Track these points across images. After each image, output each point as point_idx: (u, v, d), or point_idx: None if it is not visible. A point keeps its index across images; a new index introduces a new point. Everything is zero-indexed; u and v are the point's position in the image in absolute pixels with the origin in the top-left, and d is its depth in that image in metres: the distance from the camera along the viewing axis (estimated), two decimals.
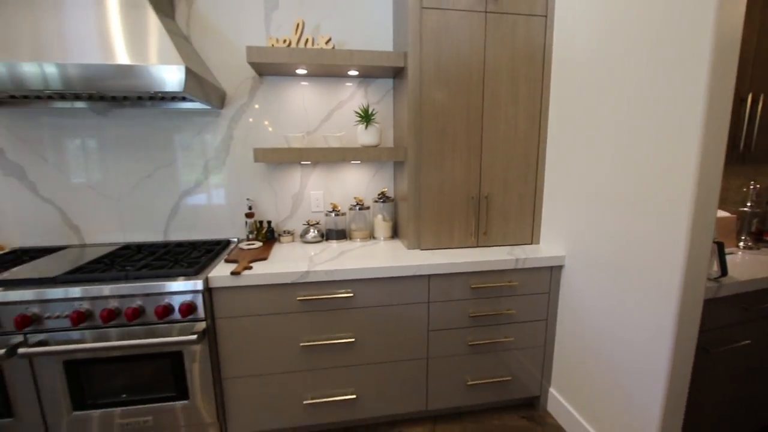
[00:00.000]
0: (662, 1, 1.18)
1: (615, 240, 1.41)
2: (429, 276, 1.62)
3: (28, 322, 1.36)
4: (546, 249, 1.80)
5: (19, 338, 1.39)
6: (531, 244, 1.89)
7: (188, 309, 1.44)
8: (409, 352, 1.69)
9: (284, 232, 2.00)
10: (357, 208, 2.02)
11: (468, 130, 1.74)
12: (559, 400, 1.79)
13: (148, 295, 1.43)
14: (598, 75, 1.46)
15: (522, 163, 1.81)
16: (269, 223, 2.01)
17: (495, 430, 1.77)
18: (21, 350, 1.34)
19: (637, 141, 1.29)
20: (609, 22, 1.40)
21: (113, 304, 1.42)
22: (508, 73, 1.72)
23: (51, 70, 1.35)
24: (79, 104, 1.80)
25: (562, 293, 1.74)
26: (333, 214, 2.00)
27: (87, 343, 1.39)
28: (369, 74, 1.93)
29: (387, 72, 1.88)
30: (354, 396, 1.67)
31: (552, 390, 1.85)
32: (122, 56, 1.39)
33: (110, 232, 1.94)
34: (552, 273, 1.73)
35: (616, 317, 1.42)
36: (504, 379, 1.79)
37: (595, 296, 1.53)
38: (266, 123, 1.97)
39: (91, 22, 1.45)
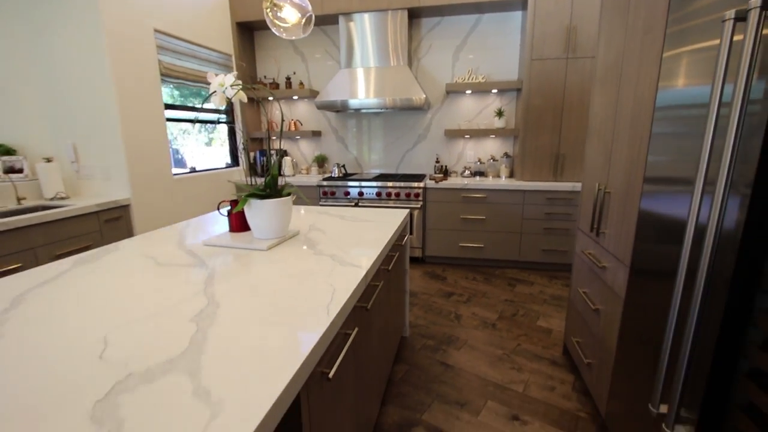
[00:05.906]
0: None
1: None
2: (524, 191, 3.38)
3: (360, 194, 3.69)
4: None
5: (357, 200, 3.73)
6: None
7: (417, 195, 3.57)
8: (512, 227, 3.49)
9: (452, 171, 4.00)
10: (491, 160, 3.86)
11: (553, 119, 3.38)
12: None
13: (402, 187, 3.60)
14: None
15: (585, 135, 3.35)
16: (445, 166, 4.01)
17: (560, 277, 3.45)
18: (359, 204, 3.69)
19: None
20: None
21: (389, 190, 3.63)
22: (580, 89, 3.28)
23: (367, 101, 3.57)
24: (368, 111, 4.10)
25: None
26: (478, 163, 3.89)
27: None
28: (502, 90, 3.71)
29: (512, 89, 3.64)
30: (482, 245, 3.58)
31: None
32: (400, 93, 3.52)
33: (373, 167, 4.26)
34: None
35: None
36: (565, 249, 3.43)
37: None
38: (447, 116, 3.97)
39: (382, 75, 3.63)
